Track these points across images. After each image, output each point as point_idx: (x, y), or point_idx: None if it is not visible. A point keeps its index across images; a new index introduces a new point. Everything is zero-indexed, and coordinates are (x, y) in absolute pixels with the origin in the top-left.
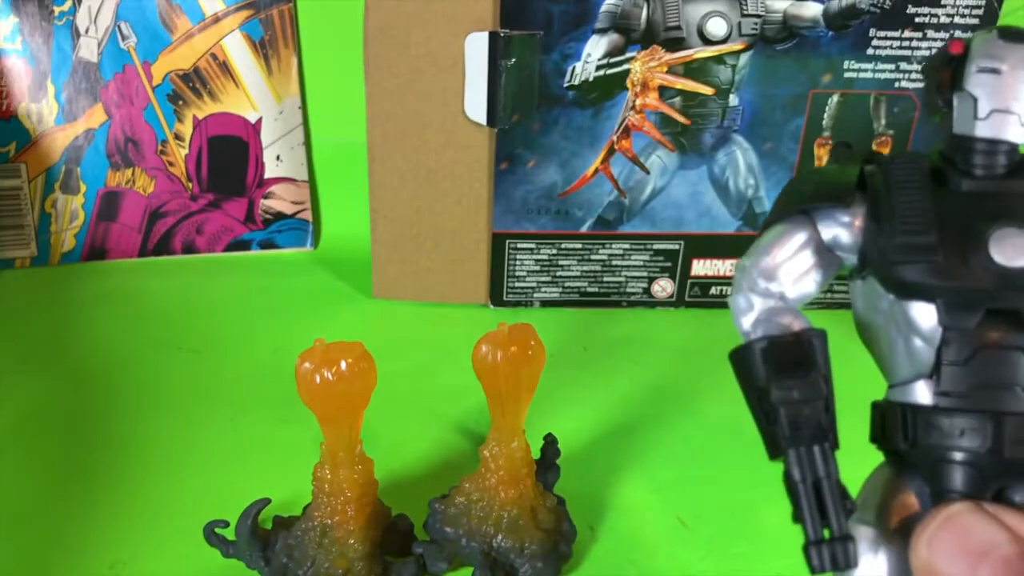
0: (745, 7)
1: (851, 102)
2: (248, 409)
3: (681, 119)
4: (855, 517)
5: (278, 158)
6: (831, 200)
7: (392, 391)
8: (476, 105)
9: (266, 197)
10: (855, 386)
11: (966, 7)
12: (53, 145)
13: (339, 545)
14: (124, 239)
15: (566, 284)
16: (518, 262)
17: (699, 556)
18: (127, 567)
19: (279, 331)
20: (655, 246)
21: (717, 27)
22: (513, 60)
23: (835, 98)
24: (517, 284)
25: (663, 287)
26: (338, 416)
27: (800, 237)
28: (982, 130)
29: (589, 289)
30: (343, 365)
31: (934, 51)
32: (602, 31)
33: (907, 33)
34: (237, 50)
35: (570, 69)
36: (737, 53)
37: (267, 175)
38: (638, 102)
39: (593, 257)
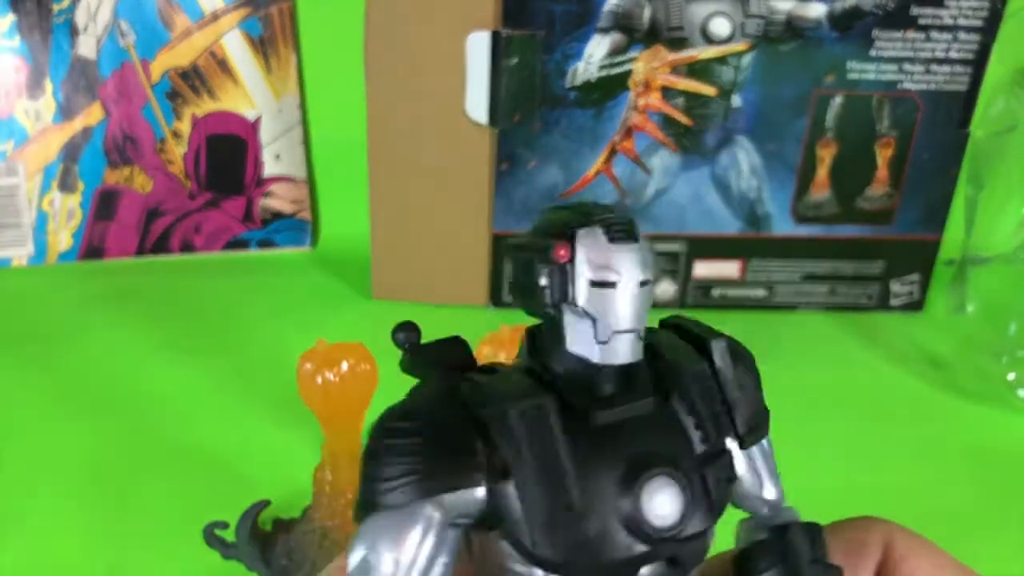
0: (748, 7)
1: (854, 103)
2: (247, 410)
3: (683, 120)
4: None
5: (277, 157)
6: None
7: (392, 392)
8: (477, 105)
9: (265, 196)
10: (855, 387)
11: (969, 8)
12: (51, 143)
13: (339, 547)
14: (122, 238)
15: None
16: None
17: None
18: (126, 568)
19: (277, 331)
20: (657, 248)
21: (720, 27)
22: (514, 60)
23: (838, 99)
24: None
25: (665, 289)
26: (339, 417)
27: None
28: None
29: None
30: (344, 366)
31: (937, 53)
32: (604, 31)
33: (911, 34)
34: (236, 48)
35: (572, 69)
36: (740, 54)
37: (266, 174)
38: (640, 102)
39: None
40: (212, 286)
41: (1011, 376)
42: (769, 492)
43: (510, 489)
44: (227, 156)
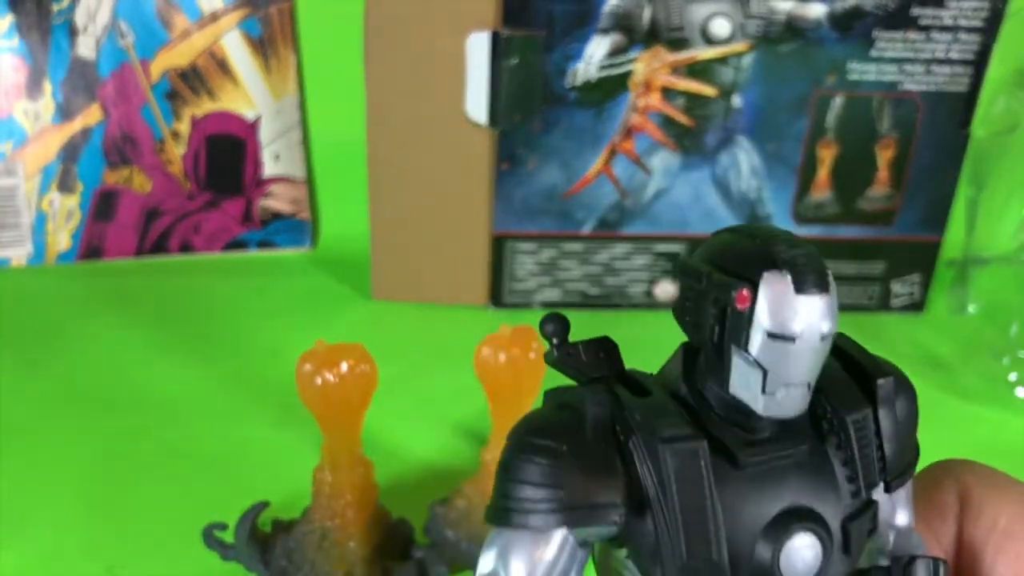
0: (748, 8)
1: (855, 104)
2: (246, 410)
3: (684, 120)
4: None
5: (276, 157)
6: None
7: (392, 393)
8: (477, 105)
9: (264, 197)
10: None
11: (970, 9)
12: (50, 143)
13: (339, 548)
14: (121, 238)
15: (567, 286)
16: (519, 264)
17: None
18: (125, 569)
19: (277, 332)
20: (657, 248)
21: (720, 28)
22: (515, 60)
23: (839, 99)
24: (517, 286)
25: (665, 289)
26: (338, 418)
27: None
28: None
29: (590, 291)
30: (344, 367)
31: (938, 53)
32: (604, 31)
33: (911, 35)
34: (235, 48)
35: (572, 69)
36: (740, 54)
37: (265, 174)
38: (640, 103)
39: (594, 259)
40: (211, 287)
41: (1012, 377)
42: (901, 519)
43: (647, 523)
44: (226, 156)
